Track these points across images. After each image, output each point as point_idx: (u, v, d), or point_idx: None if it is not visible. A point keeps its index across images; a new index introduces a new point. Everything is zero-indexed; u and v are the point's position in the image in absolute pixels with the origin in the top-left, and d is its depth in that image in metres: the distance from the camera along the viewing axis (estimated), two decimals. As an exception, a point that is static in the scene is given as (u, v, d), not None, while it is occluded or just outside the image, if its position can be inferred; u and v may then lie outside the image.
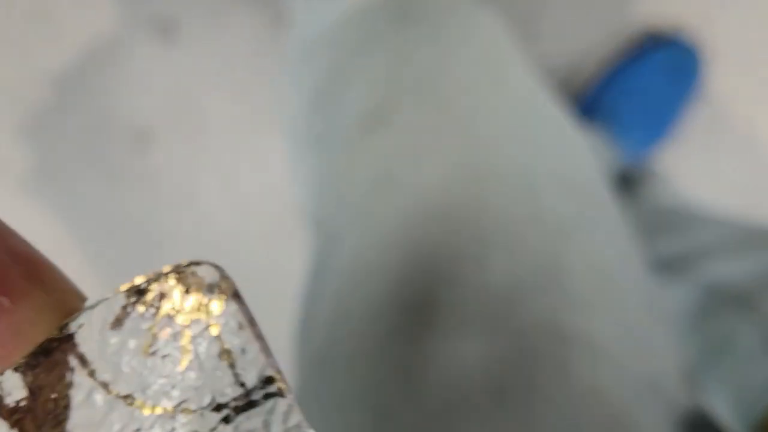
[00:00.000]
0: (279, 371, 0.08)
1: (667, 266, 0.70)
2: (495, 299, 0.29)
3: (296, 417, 0.08)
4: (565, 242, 0.32)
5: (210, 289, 0.08)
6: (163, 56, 0.97)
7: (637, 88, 0.95)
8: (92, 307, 0.09)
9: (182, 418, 0.08)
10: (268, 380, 0.08)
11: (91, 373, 0.08)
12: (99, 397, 0.08)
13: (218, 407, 0.08)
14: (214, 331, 0.08)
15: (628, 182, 0.88)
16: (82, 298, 0.09)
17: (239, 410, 0.08)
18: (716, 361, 0.61)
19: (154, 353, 0.08)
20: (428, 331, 0.29)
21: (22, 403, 0.08)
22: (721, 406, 0.62)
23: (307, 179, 0.42)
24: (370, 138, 0.35)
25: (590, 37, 0.96)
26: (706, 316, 0.63)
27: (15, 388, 0.08)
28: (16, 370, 0.08)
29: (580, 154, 0.37)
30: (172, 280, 0.08)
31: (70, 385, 0.08)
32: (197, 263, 0.08)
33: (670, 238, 0.72)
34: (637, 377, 0.30)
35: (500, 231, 0.31)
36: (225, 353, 0.08)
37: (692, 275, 0.66)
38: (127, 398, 0.08)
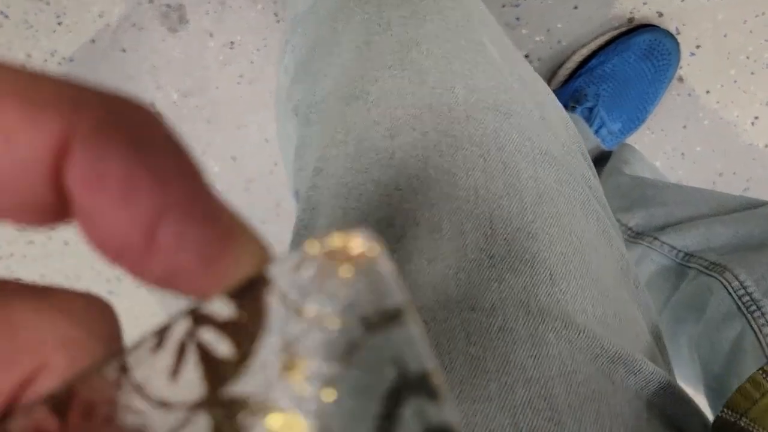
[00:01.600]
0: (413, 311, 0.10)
1: (646, 233, 0.68)
2: (469, 276, 0.27)
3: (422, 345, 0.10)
4: (542, 209, 0.29)
5: (366, 255, 0.10)
6: (171, 41, 0.94)
7: (618, 72, 0.92)
8: (284, 257, 0.10)
9: (339, 326, 0.10)
10: (399, 312, 0.10)
11: (284, 300, 0.10)
12: (294, 323, 0.10)
13: (367, 322, 0.10)
14: (370, 270, 0.10)
15: (603, 160, 0.85)
16: (272, 251, 0.11)
17: (380, 328, 0.10)
18: (687, 321, 0.58)
19: (324, 285, 0.10)
20: None
21: (229, 319, 0.10)
22: (686, 363, 0.60)
23: (288, 152, 0.39)
24: (347, 110, 0.32)
25: (571, 21, 0.93)
26: (680, 279, 0.61)
27: (224, 309, 0.10)
28: (225, 296, 0.10)
29: (558, 127, 0.34)
30: (336, 241, 0.10)
31: (268, 307, 0.10)
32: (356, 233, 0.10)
33: (649, 208, 0.70)
34: (609, 352, 0.27)
35: (476, 203, 0.28)
36: (372, 290, 0.10)
37: (670, 242, 0.64)
38: (315, 316, 0.10)
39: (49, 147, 0.09)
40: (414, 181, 0.29)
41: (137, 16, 0.92)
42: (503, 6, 0.92)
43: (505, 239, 0.27)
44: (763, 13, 0.92)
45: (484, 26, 0.34)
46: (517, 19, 0.93)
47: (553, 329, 0.26)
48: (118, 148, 0.09)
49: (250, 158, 0.99)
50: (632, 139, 0.98)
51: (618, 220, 0.72)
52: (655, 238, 0.65)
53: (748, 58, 0.95)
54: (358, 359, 0.10)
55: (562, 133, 0.34)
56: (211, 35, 0.94)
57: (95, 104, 0.09)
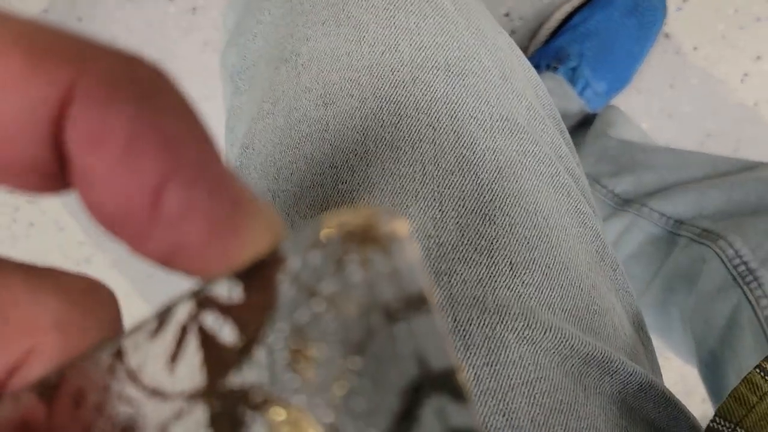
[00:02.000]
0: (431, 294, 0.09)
1: (634, 200, 0.64)
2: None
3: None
4: (501, 186, 0.25)
5: (390, 235, 0.09)
6: (129, 9, 0.88)
7: (602, 29, 0.88)
8: (296, 235, 0.09)
9: (355, 316, 0.09)
10: (423, 300, 0.09)
11: (296, 282, 0.09)
12: (305, 307, 0.09)
13: (387, 312, 0.09)
14: (393, 251, 0.09)
15: (588, 123, 0.81)
16: (286, 230, 0.10)
17: (401, 316, 0.09)
18: (679, 291, 0.55)
19: (341, 267, 0.09)
20: None
21: (235, 302, 0.09)
22: (679, 335, 0.57)
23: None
24: (275, 75, 0.27)
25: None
26: (671, 248, 0.57)
27: (230, 290, 0.09)
28: (232, 276, 0.09)
29: (523, 87, 0.29)
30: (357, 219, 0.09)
31: (278, 290, 0.09)
32: (379, 212, 0.09)
33: (638, 172, 0.66)
34: (580, 352, 0.23)
35: (423, 182, 0.24)
36: (394, 274, 0.09)
37: (660, 208, 0.60)
38: (329, 300, 0.09)
39: (49, 101, 0.08)
40: (351, 157, 0.24)
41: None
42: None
43: (456, 224, 0.23)
44: (753, -37, 0.87)
45: None
46: (494, -25, 0.88)
47: (513, 329, 0.22)
48: (124, 105, 0.09)
49: (219, 130, 0.95)
50: (618, 100, 0.94)
51: (604, 186, 0.68)
52: (644, 205, 0.61)
53: (736, 11, 0.91)
54: (375, 349, 0.09)
55: (529, 94, 0.29)
56: (171, 0, 0.88)
57: (102, 58, 0.09)
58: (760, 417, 0.20)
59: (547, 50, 0.90)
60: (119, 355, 0.10)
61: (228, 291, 0.09)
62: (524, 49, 0.94)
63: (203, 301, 0.10)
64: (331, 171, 0.24)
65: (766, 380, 0.22)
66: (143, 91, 0.09)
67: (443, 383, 0.08)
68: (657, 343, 0.65)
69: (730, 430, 0.21)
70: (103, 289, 0.10)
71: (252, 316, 0.09)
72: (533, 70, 0.32)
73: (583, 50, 0.88)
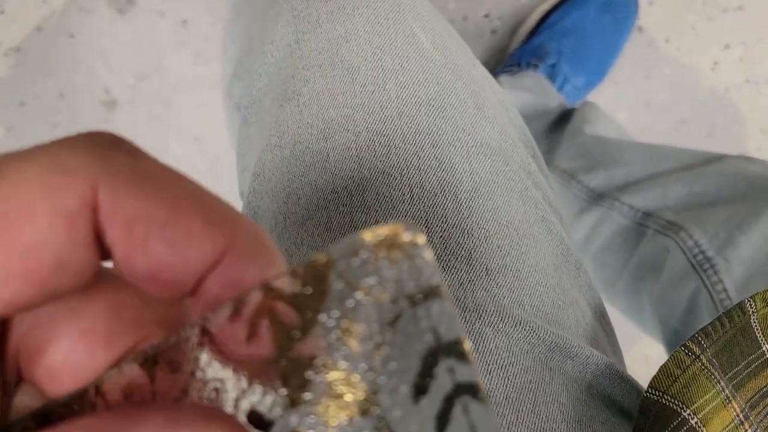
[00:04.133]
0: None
1: (606, 194, 0.69)
2: None
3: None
4: (477, 204, 0.29)
5: (411, 243, 0.12)
6: (120, 23, 0.91)
7: (579, 27, 0.92)
8: (342, 243, 0.12)
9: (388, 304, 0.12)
10: (436, 290, 0.11)
11: (342, 278, 0.12)
12: (350, 297, 0.12)
13: (410, 298, 0.12)
14: (414, 255, 0.12)
15: (567, 117, 0.85)
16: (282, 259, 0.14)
17: (420, 302, 0.11)
18: (647, 280, 0.60)
19: (377, 267, 0.12)
20: None
21: (296, 293, 0.12)
22: (649, 319, 0.62)
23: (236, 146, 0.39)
24: (280, 112, 0.32)
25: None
26: (639, 239, 0.62)
27: (291, 284, 0.12)
28: (292, 273, 0.12)
29: (496, 114, 0.34)
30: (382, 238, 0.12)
31: (330, 284, 0.12)
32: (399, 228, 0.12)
33: (610, 168, 0.70)
34: (546, 341, 0.28)
35: (411, 203, 0.28)
36: (415, 271, 0.12)
37: (629, 201, 0.65)
38: (368, 292, 0.12)
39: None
40: (349, 183, 0.29)
41: (86, 3, 0.89)
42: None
43: (441, 237, 0.28)
44: (718, -42, 0.91)
45: (414, 14, 0.34)
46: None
47: (490, 324, 0.26)
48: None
49: (213, 138, 0.98)
50: (596, 93, 0.97)
51: (580, 182, 0.73)
52: (615, 199, 0.66)
53: (704, 3, 0.95)
54: (402, 327, 0.12)
55: (501, 118, 0.34)
56: (162, 14, 0.91)
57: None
58: (682, 386, 0.25)
59: (526, 49, 0.93)
60: (205, 333, 0.13)
61: (290, 285, 0.12)
62: (504, 48, 0.98)
63: (270, 291, 0.12)
64: (333, 196, 0.29)
65: (688, 356, 0.26)
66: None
67: (452, 350, 0.11)
68: (632, 326, 0.69)
69: (658, 397, 0.26)
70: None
71: (310, 303, 0.12)
72: (506, 95, 0.36)
73: (561, 47, 0.91)
